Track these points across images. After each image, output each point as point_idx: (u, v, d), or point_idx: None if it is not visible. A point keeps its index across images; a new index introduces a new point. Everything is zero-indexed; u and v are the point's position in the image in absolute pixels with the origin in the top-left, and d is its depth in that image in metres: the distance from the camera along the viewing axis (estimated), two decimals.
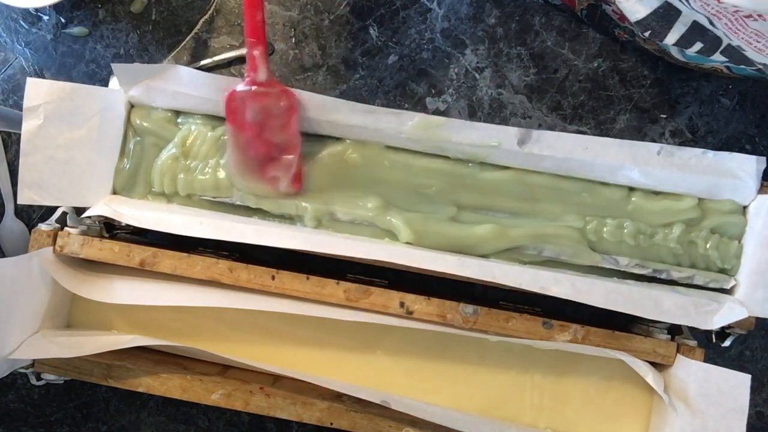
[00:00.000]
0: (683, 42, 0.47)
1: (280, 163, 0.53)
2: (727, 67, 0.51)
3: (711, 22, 0.44)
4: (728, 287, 0.52)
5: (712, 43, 0.46)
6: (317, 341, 0.55)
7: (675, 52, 0.52)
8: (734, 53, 0.46)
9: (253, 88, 0.52)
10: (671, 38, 0.47)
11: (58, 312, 0.55)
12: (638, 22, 0.47)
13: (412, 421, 0.50)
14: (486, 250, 0.54)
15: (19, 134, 0.53)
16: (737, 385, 0.48)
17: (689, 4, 0.43)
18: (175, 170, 0.55)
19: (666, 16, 0.46)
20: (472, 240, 0.54)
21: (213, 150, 0.55)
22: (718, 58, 0.47)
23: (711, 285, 0.53)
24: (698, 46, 0.47)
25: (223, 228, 0.52)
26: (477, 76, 0.62)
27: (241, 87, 0.52)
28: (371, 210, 0.54)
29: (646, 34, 0.47)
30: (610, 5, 0.53)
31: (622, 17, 0.52)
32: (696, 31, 0.46)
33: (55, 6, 0.63)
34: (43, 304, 0.53)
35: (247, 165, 0.53)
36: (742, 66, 0.47)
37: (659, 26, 0.46)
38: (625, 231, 0.53)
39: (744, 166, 0.51)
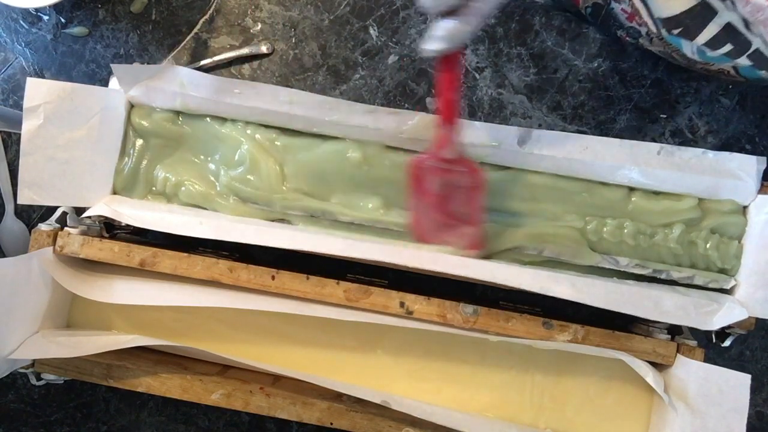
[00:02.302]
0: (713, 43, 0.46)
1: (458, 231, 0.52)
2: (735, 69, 0.51)
3: (747, 26, 0.43)
4: (728, 287, 0.52)
5: (742, 46, 0.46)
6: (317, 341, 0.55)
7: (690, 52, 0.51)
8: (761, 58, 0.45)
9: (438, 160, 0.50)
10: (702, 38, 0.46)
11: (58, 312, 0.55)
12: (667, 19, 0.46)
13: (413, 421, 0.50)
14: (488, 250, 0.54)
15: (19, 134, 0.53)
16: (737, 385, 0.48)
17: (734, 6, 0.42)
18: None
19: (702, 14, 0.45)
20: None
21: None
22: (742, 62, 0.47)
23: (711, 285, 0.53)
24: (727, 48, 0.46)
25: (223, 228, 0.52)
26: (477, 76, 0.62)
27: (426, 159, 0.51)
28: (371, 210, 0.54)
29: (675, 31, 0.46)
30: (620, 3, 0.52)
31: (631, 16, 0.52)
32: (728, 33, 0.45)
33: (55, 6, 0.63)
34: (43, 304, 0.53)
35: (425, 226, 0.53)
36: (756, 69, 0.47)
37: (693, 24, 0.46)
38: (625, 231, 0.53)
39: (744, 166, 0.51)
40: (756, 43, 0.45)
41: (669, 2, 0.46)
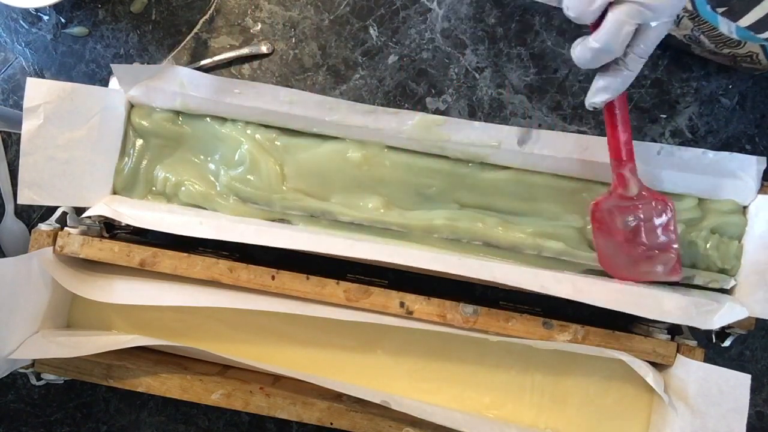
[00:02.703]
0: (757, 26, 0.46)
1: (656, 260, 0.51)
2: (764, 50, 0.50)
3: None
4: (728, 287, 0.52)
5: None
6: (317, 341, 0.55)
7: (727, 30, 0.50)
8: None
9: (620, 199, 0.51)
10: (747, 20, 0.46)
11: (58, 312, 0.55)
12: None
13: (413, 421, 0.50)
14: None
15: (19, 134, 0.53)
16: (737, 385, 0.48)
17: None
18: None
19: None
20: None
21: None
22: None
23: (711, 285, 0.53)
24: None
25: (223, 228, 0.52)
26: (477, 76, 0.62)
27: (607, 199, 0.51)
28: (371, 210, 0.54)
29: (720, 10, 0.46)
30: None
31: None
32: None
33: (55, 6, 0.63)
34: (43, 304, 0.53)
35: (619, 263, 0.52)
36: None
37: (741, 5, 0.45)
38: None
39: (744, 166, 0.51)
40: None
41: None
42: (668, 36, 0.56)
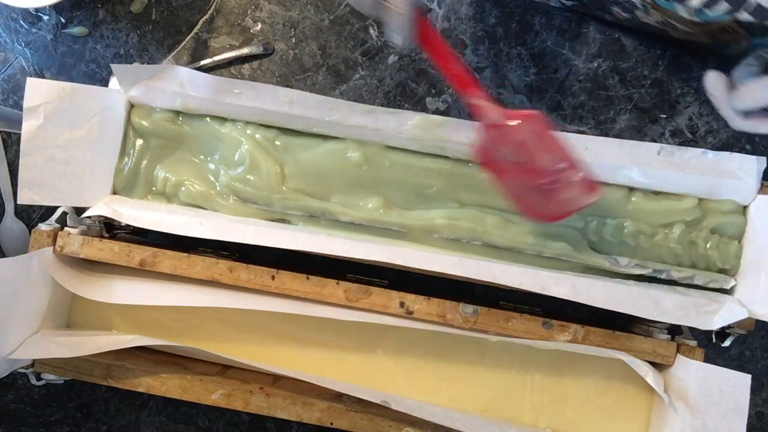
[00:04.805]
0: (709, 2, 0.46)
1: (567, 185, 0.48)
2: (740, 24, 0.49)
3: None
4: (728, 287, 0.52)
5: (736, 3, 0.45)
6: (317, 341, 0.55)
7: (687, 14, 0.49)
8: (761, 10, 0.45)
9: (492, 132, 0.48)
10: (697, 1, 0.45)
11: (58, 312, 0.55)
12: None
13: (412, 421, 0.50)
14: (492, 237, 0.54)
15: (19, 134, 0.53)
16: (737, 385, 0.48)
17: None
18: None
19: None
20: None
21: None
22: (744, 17, 0.46)
23: (711, 285, 0.52)
24: (723, 6, 0.45)
25: (223, 228, 0.52)
26: (477, 76, 0.62)
27: (482, 141, 0.49)
28: (371, 210, 0.54)
29: None
30: None
31: None
32: None
33: (55, 6, 0.63)
34: (43, 304, 0.53)
35: (535, 203, 0.50)
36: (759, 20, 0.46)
37: None
38: (625, 231, 0.53)
39: (744, 166, 0.51)
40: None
41: None
42: (645, 25, 0.56)
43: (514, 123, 0.48)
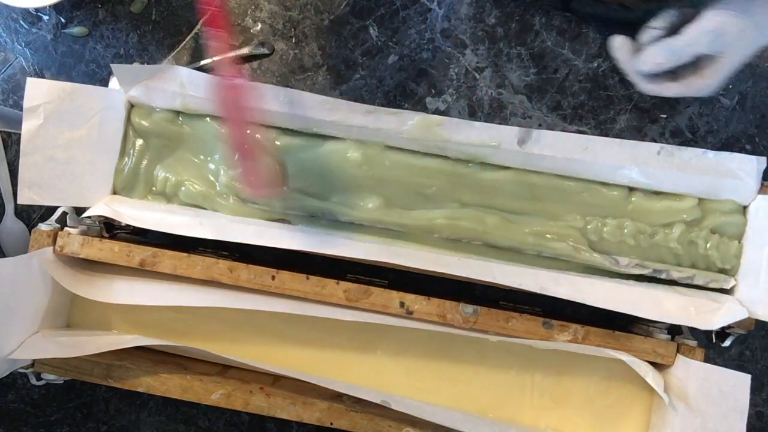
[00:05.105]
0: None
1: (242, 166, 0.49)
2: None
3: None
4: (728, 287, 0.52)
5: None
6: (317, 341, 0.55)
7: None
8: None
9: (219, 79, 0.48)
10: None
11: (58, 312, 0.55)
12: None
13: (412, 421, 0.50)
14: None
15: (19, 134, 0.53)
16: (737, 385, 0.48)
17: None
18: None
19: None
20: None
21: None
22: None
23: (711, 285, 0.52)
24: None
25: (223, 228, 0.52)
26: (477, 76, 0.62)
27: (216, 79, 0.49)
28: (371, 210, 0.54)
29: None
30: None
31: None
32: None
33: (55, 6, 0.63)
34: (43, 304, 0.53)
35: (242, 171, 0.50)
36: None
37: None
38: (626, 231, 0.53)
39: (744, 166, 0.51)
40: None
41: None
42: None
43: (225, 83, 0.47)
